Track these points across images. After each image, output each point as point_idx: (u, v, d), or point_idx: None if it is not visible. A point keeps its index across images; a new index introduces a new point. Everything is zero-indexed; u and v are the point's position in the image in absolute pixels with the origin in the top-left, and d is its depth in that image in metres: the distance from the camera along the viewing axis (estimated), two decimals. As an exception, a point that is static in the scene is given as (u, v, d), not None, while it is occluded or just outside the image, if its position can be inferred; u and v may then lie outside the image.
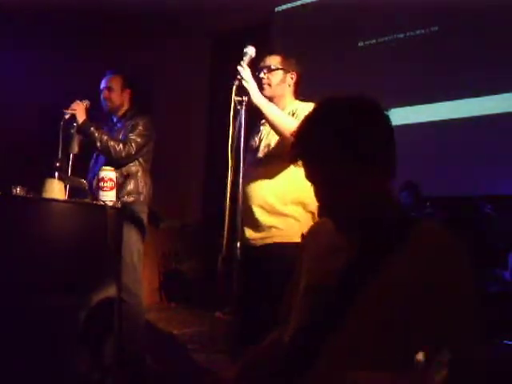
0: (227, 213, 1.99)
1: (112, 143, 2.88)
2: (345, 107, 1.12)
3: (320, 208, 1.21)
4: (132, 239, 2.93)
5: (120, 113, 3.14)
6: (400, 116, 4.74)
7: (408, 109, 4.85)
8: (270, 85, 2.34)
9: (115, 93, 3.12)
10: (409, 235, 1.06)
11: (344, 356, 1.04)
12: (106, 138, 2.88)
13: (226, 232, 1.97)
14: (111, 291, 2.08)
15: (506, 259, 3.83)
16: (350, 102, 1.13)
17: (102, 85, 3.14)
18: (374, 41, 4.99)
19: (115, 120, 3.16)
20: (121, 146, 2.89)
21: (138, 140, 2.97)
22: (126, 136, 2.96)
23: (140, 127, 2.99)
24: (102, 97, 3.12)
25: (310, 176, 1.16)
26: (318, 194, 1.16)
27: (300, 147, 1.16)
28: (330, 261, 1.17)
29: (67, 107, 2.83)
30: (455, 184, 4.45)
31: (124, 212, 2.63)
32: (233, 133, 2.04)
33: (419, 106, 4.85)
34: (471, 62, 4.51)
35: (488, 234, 3.91)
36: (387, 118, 1.13)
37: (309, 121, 1.15)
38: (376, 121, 1.12)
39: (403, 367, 0.98)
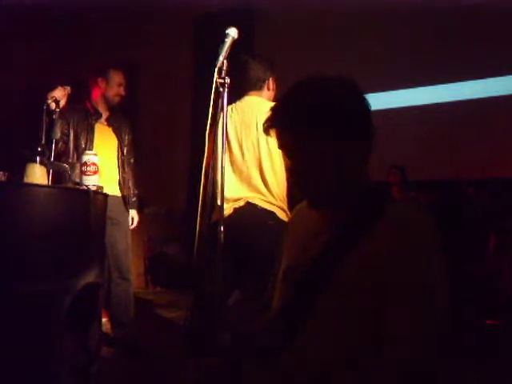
0: (200, 204, 1.88)
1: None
2: (318, 84, 1.12)
3: (297, 188, 1.19)
4: (126, 223, 3.14)
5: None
6: (386, 100, 4.75)
7: (394, 93, 4.86)
8: None
9: None
10: (379, 216, 1.06)
11: (317, 338, 1.05)
12: None
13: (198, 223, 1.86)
14: (96, 276, 2.07)
15: (488, 241, 3.89)
16: (324, 80, 1.12)
17: (123, 81, 3.17)
18: (365, 27, 4.95)
19: (100, 110, 3.16)
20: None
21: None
22: (129, 145, 3.22)
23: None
24: (120, 92, 3.15)
25: (287, 154, 1.15)
26: (295, 174, 1.15)
27: (276, 126, 1.14)
28: (307, 246, 1.17)
29: (50, 92, 2.78)
30: (440, 167, 4.48)
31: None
32: (212, 115, 1.99)
33: (405, 90, 4.85)
34: (458, 46, 4.52)
35: (472, 217, 3.95)
36: (362, 94, 1.12)
37: (284, 99, 1.14)
38: (351, 96, 1.11)
39: (375, 343, 0.99)
